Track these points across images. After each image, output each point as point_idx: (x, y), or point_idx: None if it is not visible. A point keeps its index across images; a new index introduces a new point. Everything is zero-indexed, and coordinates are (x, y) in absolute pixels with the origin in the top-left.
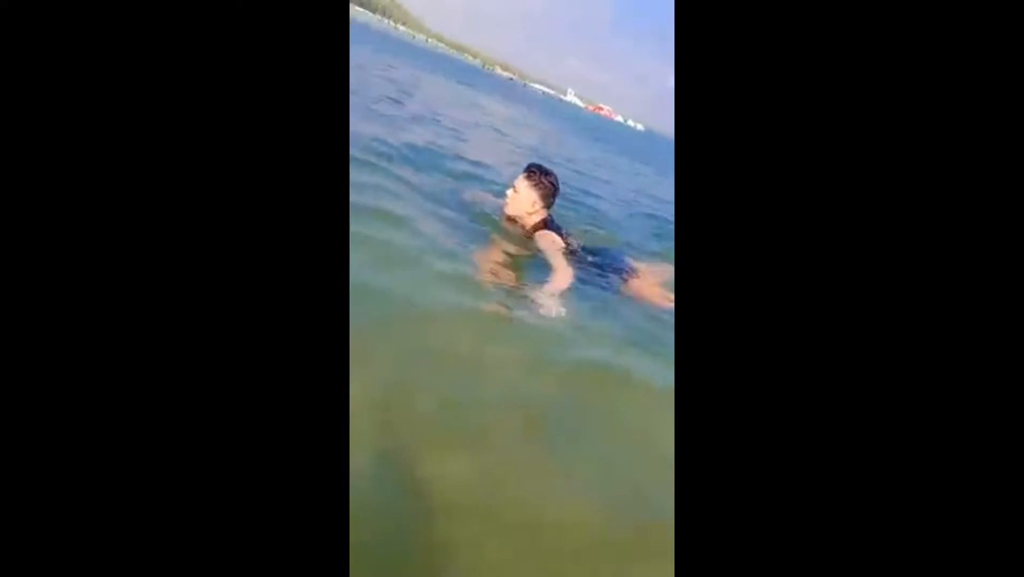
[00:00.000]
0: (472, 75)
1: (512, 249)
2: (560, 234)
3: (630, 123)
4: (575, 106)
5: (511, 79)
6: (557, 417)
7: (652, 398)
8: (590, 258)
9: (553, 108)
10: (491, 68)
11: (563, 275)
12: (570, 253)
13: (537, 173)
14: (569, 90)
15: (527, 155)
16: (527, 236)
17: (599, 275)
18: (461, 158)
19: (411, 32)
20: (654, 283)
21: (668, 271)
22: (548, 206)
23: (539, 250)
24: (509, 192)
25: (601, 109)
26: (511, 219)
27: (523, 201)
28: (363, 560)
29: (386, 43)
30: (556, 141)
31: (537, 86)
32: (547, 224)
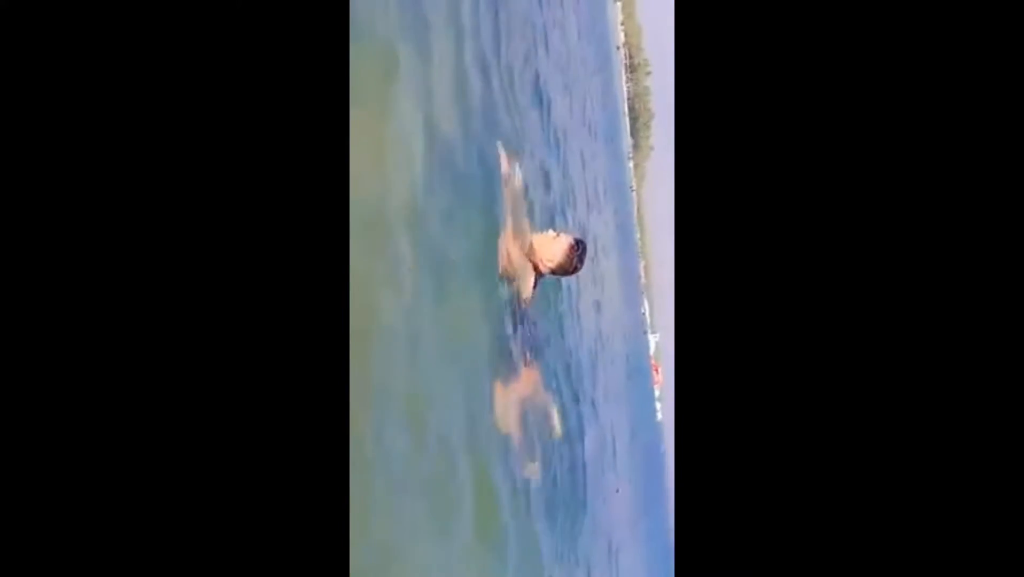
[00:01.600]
0: None
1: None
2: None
3: None
4: None
5: None
6: None
7: None
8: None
9: None
10: None
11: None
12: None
13: (582, 250)
14: None
15: None
16: (511, 273)
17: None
18: None
19: None
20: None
21: None
22: (553, 272)
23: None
24: (551, 232)
25: None
26: (531, 251)
27: (552, 253)
28: None
29: None
30: None
31: None
32: (536, 282)
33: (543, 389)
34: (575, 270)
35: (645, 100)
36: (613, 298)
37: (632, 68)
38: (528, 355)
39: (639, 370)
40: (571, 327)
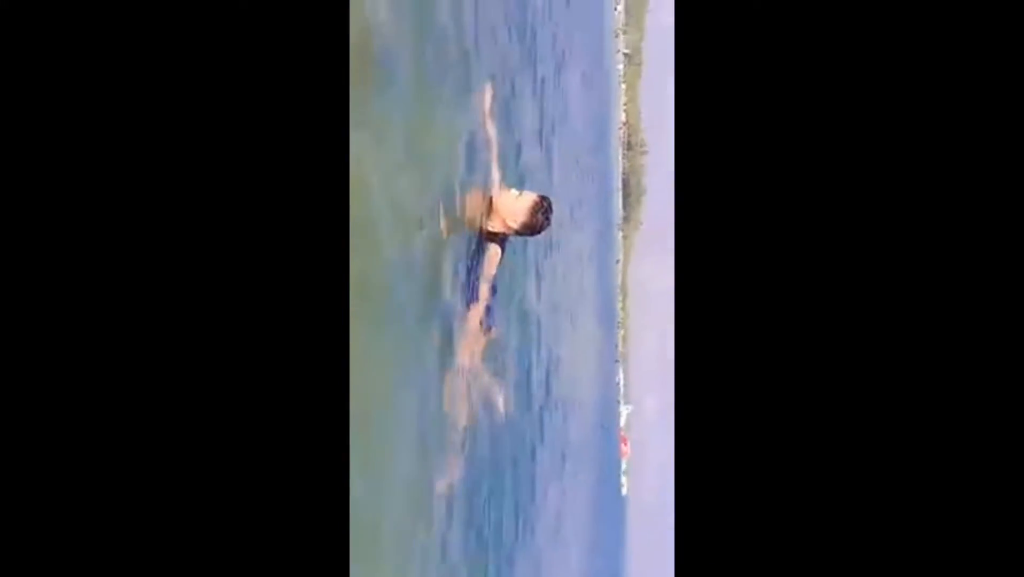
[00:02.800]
0: None
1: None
2: (502, 256)
3: None
4: None
5: None
6: None
7: None
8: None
9: None
10: None
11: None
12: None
13: (547, 209)
14: None
15: None
16: (483, 231)
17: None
18: None
19: None
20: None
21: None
22: (519, 232)
23: (483, 247)
24: (512, 191)
25: None
26: (493, 208)
27: (513, 210)
28: None
29: None
30: None
31: None
32: (503, 242)
33: (488, 369)
34: (541, 228)
35: (639, 177)
36: (588, 362)
37: (629, 146)
38: (472, 306)
39: (608, 435)
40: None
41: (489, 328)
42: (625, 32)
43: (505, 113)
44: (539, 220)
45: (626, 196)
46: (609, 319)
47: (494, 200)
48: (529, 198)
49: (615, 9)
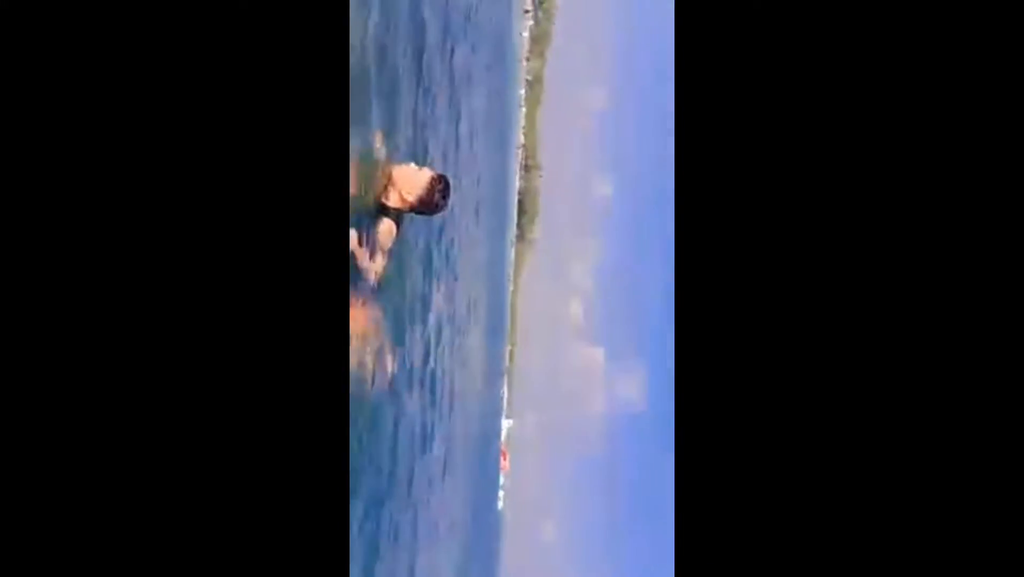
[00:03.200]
0: None
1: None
2: (397, 232)
3: None
4: None
5: None
6: None
7: None
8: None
9: None
10: None
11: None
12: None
13: (444, 187)
14: None
15: None
16: (380, 201)
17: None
18: None
19: None
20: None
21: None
22: (413, 209)
23: (377, 222)
24: (412, 165)
25: None
26: (391, 181)
27: (412, 183)
28: None
29: None
30: None
31: None
32: (399, 219)
33: (380, 330)
34: (437, 207)
35: (535, 197)
36: (475, 374)
37: (527, 168)
38: (368, 290)
39: (488, 448)
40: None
41: (370, 302)
42: (528, 60)
43: (412, 123)
44: (435, 197)
45: (520, 215)
46: (498, 333)
47: (393, 173)
48: (427, 174)
49: (521, 34)
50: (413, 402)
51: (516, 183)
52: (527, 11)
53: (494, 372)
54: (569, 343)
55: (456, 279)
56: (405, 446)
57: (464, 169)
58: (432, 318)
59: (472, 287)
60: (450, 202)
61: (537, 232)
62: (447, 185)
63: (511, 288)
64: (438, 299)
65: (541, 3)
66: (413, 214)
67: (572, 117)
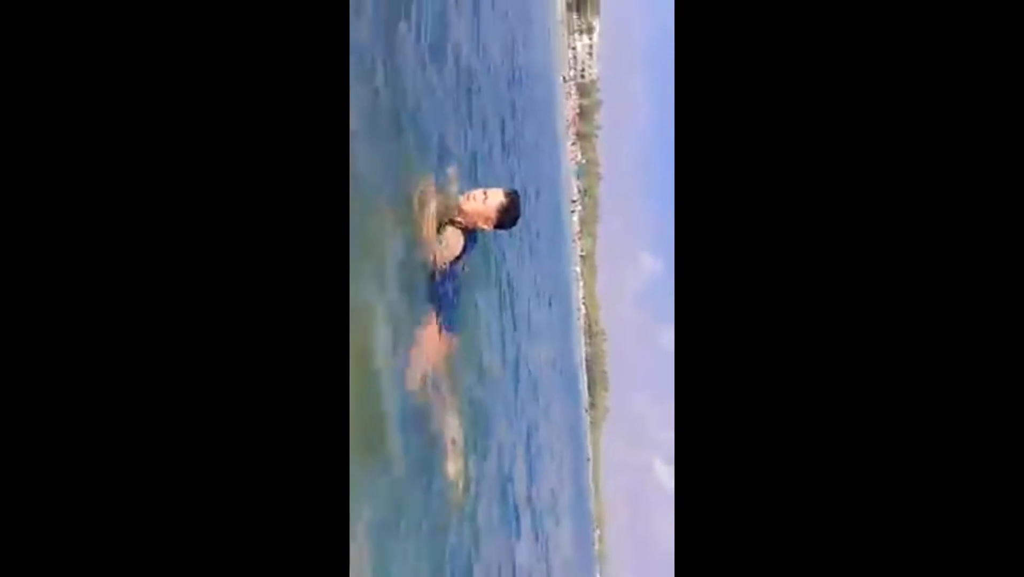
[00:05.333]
0: None
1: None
2: (462, 254)
3: None
4: None
5: None
6: None
7: None
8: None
9: None
10: None
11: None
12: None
13: (515, 203)
14: None
15: None
16: (449, 219)
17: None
18: None
19: None
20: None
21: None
22: (498, 227)
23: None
24: (478, 192)
25: None
26: (460, 212)
27: (485, 214)
28: None
29: None
30: None
31: None
32: (467, 232)
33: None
34: (515, 221)
35: (601, 363)
36: (566, 562)
37: (591, 334)
38: (440, 319)
39: None
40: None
41: (448, 331)
42: (580, 239)
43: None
44: (509, 218)
45: (590, 383)
46: (584, 518)
47: (462, 206)
48: (496, 198)
49: (572, 213)
50: None
51: (583, 351)
52: (574, 200)
53: (585, 556)
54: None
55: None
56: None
57: (531, 347)
58: (520, 498)
59: (554, 472)
60: (521, 212)
61: (609, 399)
62: (517, 196)
63: (590, 463)
64: (520, 493)
65: (586, 192)
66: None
67: (626, 280)
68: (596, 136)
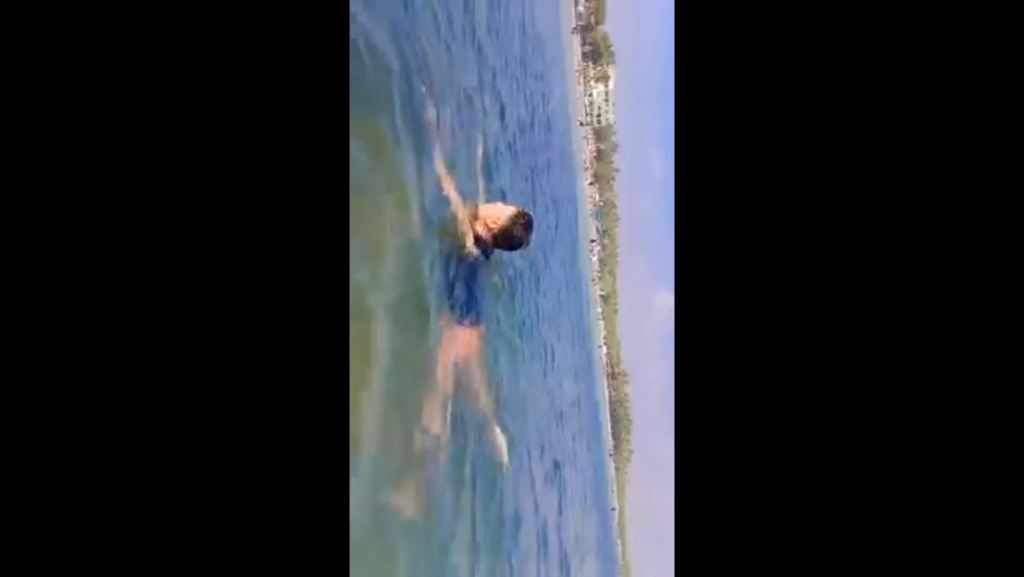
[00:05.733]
0: None
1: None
2: (480, 255)
3: None
4: None
5: None
6: None
7: None
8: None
9: None
10: None
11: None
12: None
13: (527, 222)
14: None
15: None
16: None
17: None
18: None
19: None
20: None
21: None
22: (496, 240)
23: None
24: (494, 209)
25: None
26: (477, 216)
27: (496, 215)
28: None
29: None
30: None
31: None
32: (486, 244)
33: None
34: (520, 242)
35: (625, 405)
36: None
37: (613, 376)
38: (463, 312)
39: None
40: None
41: (471, 321)
42: (600, 278)
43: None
44: (517, 229)
45: (614, 424)
46: (609, 561)
47: (480, 208)
48: (512, 207)
49: (591, 258)
50: None
51: (606, 394)
52: (593, 240)
53: None
54: None
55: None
56: None
57: (556, 388)
58: (555, 544)
59: (579, 520)
60: (532, 238)
61: (633, 442)
62: (530, 220)
63: (616, 513)
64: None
65: (604, 233)
66: (501, 249)
67: (647, 318)
68: (614, 178)
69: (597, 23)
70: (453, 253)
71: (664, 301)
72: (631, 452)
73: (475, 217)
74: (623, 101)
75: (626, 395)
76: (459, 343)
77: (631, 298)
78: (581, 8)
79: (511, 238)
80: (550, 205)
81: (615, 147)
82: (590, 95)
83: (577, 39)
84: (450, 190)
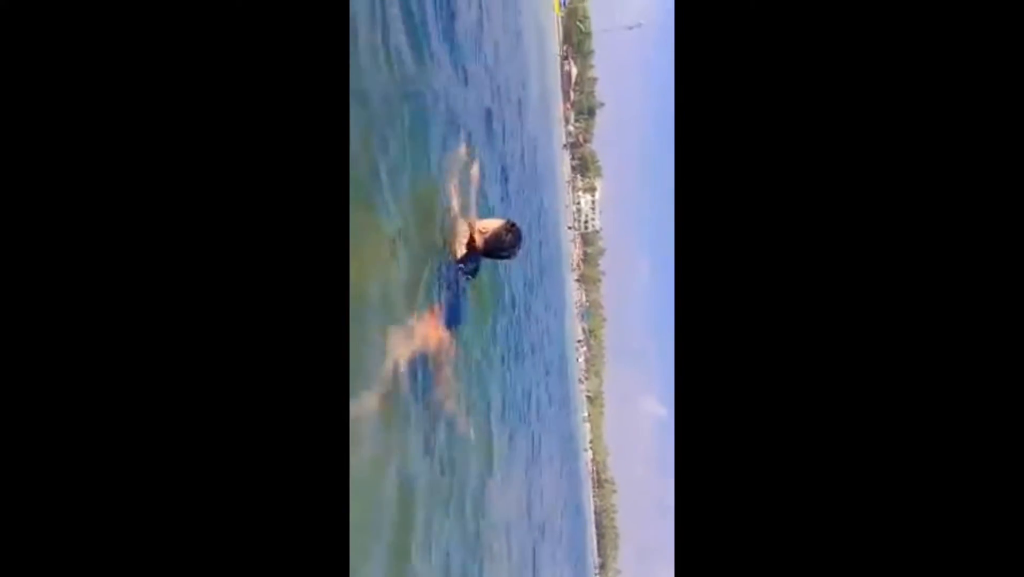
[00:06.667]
0: None
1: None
2: (466, 261)
3: None
4: None
5: None
6: None
7: None
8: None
9: None
10: None
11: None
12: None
13: (516, 232)
14: None
15: None
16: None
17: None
18: None
19: None
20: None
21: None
22: (488, 247)
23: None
24: (488, 220)
25: None
26: (474, 227)
27: (486, 225)
28: None
29: None
30: None
31: None
32: (472, 250)
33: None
34: (508, 249)
35: (612, 517)
36: None
37: (599, 484)
38: (439, 309)
39: None
40: None
41: (448, 328)
42: (587, 379)
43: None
44: (506, 237)
45: (600, 538)
46: None
47: (475, 222)
48: (502, 220)
49: (577, 360)
50: None
51: (592, 504)
52: (580, 341)
53: None
54: None
55: None
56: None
57: (542, 491)
58: None
59: None
60: (520, 249)
61: (620, 560)
62: (519, 232)
63: None
64: None
65: (592, 333)
66: (492, 259)
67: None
68: (600, 280)
69: (585, 141)
70: (445, 259)
71: (650, 407)
72: (618, 573)
73: (471, 227)
74: (610, 209)
75: (613, 506)
76: (435, 338)
77: (617, 402)
78: (571, 127)
79: (501, 243)
80: (542, 312)
81: (601, 251)
82: (578, 203)
83: (567, 153)
84: (453, 198)
